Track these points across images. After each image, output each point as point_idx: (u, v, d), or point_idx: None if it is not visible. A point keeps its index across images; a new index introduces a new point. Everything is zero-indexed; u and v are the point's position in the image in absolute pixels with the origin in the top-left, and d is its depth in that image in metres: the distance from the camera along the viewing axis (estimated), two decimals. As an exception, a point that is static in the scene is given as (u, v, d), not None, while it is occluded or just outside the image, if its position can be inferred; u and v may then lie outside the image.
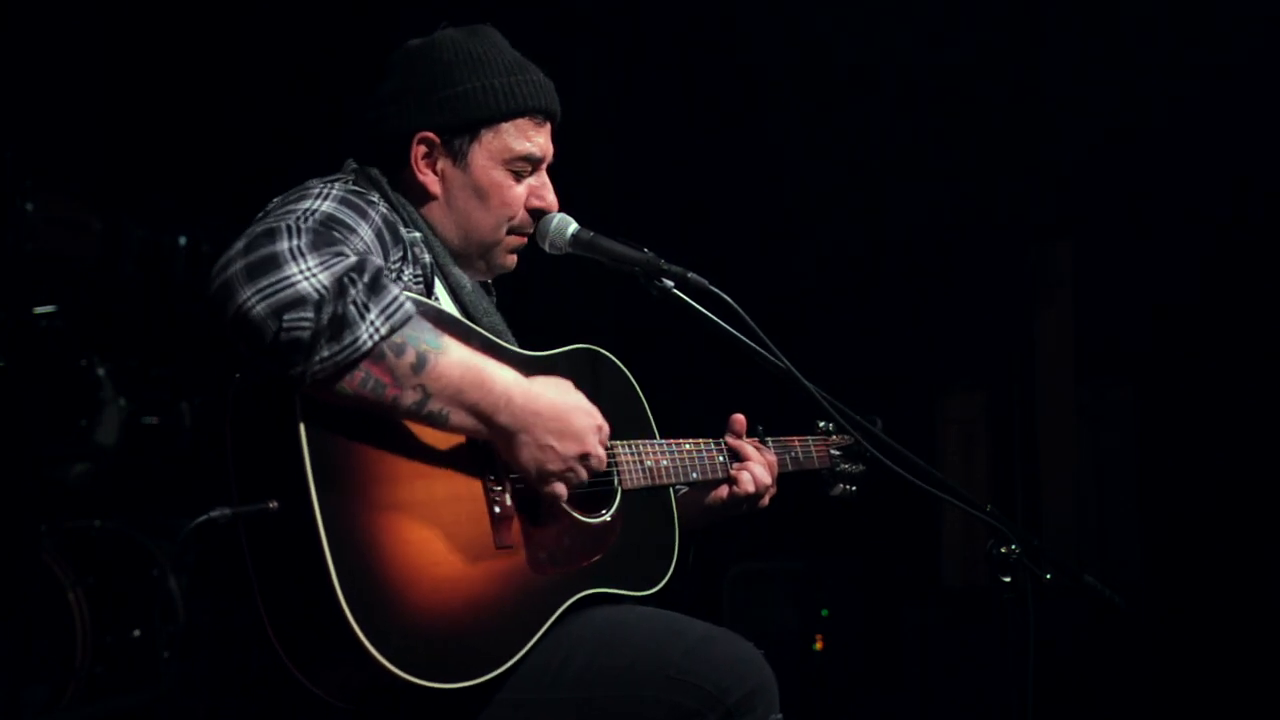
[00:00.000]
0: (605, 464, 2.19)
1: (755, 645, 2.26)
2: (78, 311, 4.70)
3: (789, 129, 5.73)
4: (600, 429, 2.17)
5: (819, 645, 5.09)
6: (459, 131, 2.31)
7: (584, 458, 2.13)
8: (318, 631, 1.89)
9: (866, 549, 5.20)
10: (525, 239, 2.42)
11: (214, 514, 1.93)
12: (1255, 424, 4.88)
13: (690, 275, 2.37)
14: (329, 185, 2.15)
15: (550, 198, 2.40)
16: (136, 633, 4.40)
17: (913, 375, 5.46)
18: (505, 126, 2.33)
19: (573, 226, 2.42)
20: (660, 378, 2.69)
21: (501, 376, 2.05)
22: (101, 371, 4.67)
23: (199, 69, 5.38)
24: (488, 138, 2.32)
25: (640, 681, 2.12)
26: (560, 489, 2.13)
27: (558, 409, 2.11)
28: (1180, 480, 5.04)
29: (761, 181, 5.77)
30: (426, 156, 2.31)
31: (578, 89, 5.57)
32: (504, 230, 2.37)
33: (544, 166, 2.40)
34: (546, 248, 2.43)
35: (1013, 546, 2.38)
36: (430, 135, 2.30)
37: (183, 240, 4.90)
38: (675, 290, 2.36)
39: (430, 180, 2.32)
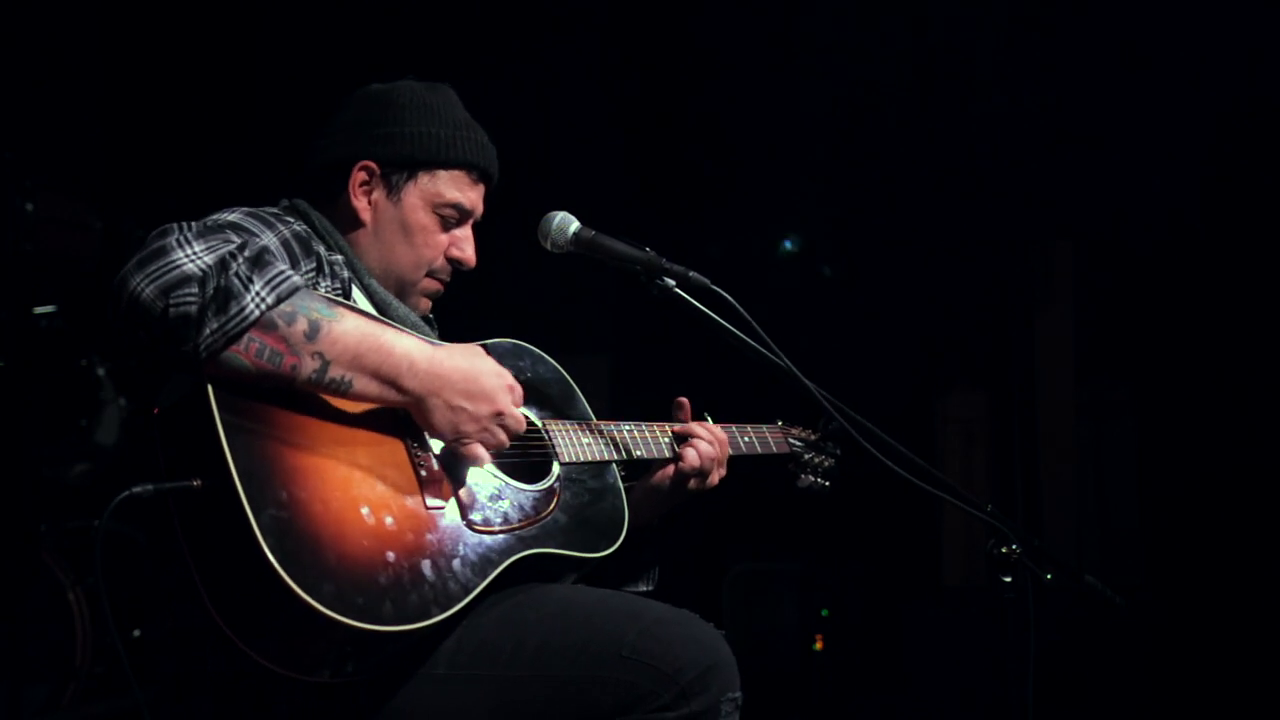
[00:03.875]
0: (523, 424, 2.21)
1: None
2: (78, 311, 4.69)
3: (790, 128, 5.73)
4: (512, 389, 2.19)
5: (819, 645, 5.08)
6: (398, 168, 2.40)
7: (497, 416, 2.16)
8: (253, 595, 1.91)
9: (866, 549, 5.20)
10: (442, 286, 2.48)
11: (136, 490, 1.96)
12: (1254, 423, 4.88)
13: (691, 274, 2.39)
14: (247, 207, 2.23)
15: (469, 251, 2.47)
16: (136, 633, 4.40)
17: (913, 375, 5.46)
18: (442, 174, 2.42)
19: (574, 225, 2.45)
20: (649, 376, 2.69)
21: (402, 342, 2.09)
22: (101, 371, 4.66)
23: (199, 69, 5.38)
24: (424, 180, 2.41)
25: (594, 661, 2.13)
26: (479, 450, 2.16)
27: (464, 370, 2.14)
28: (1180, 479, 5.04)
29: (763, 180, 5.77)
30: (364, 185, 2.40)
31: (580, 88, 5.59)
32: (422, 272, 2.44)
33: (471, 222, 2.48)
34: (548, 247, 2.46)
35: (1013, 546, 2.38)
36: (371, 165, 2.40)
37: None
38: (676, 289, 2.38)
39: (363, 207, 2.40)
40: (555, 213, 2.46)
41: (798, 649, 5.08)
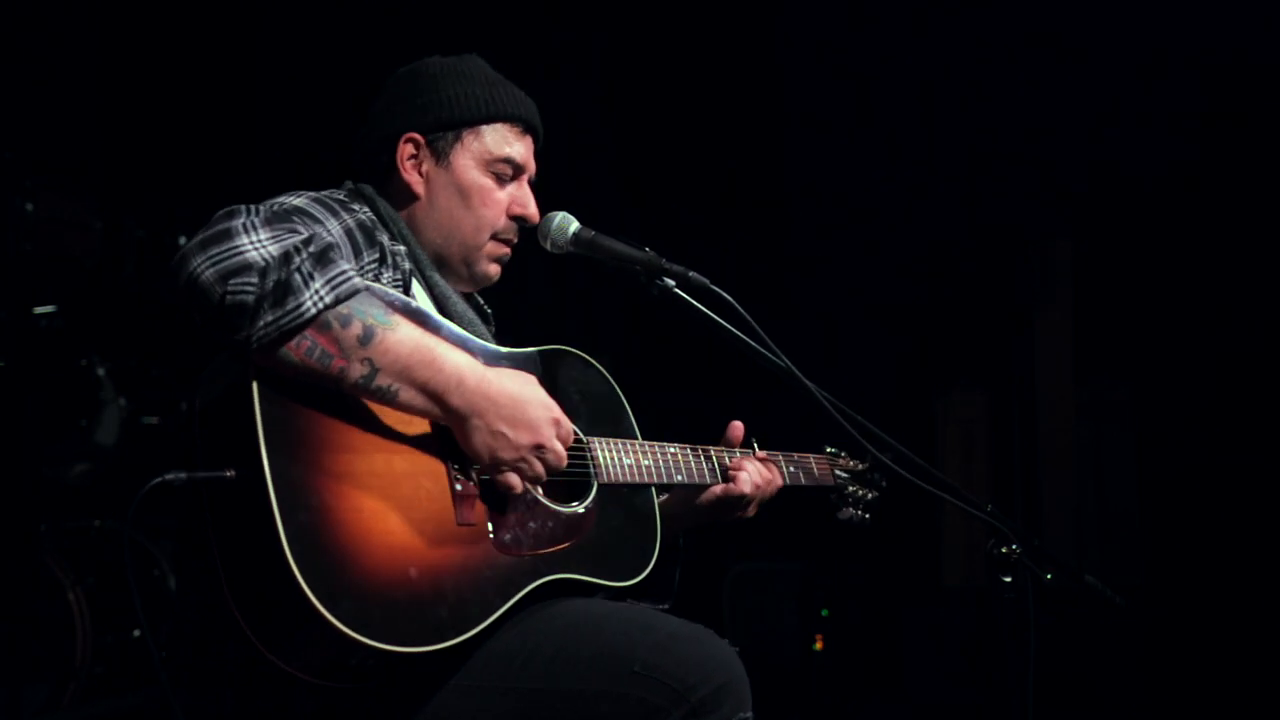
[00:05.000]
0: (564, 460, 2.17)
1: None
2: (78, 311, 4.69)
3: (791, 129, 5.73)
4: (558, 423, 2.16)
5: (819, 645, 5.08)
6: (442, 132, 2.39)
7: (538, 448, 2.13)
8: (275, 600, 1.90)
9: (867, 549, 5.20)
10: (509, 249, 2.45)
11: (169, 476, 1.95)
12: (1254, 423, 4.89)
13: (691, 274, 2.37)
14: (312, 191, 2.21)
15: (531, 207, 2.44)
16: (136, 633, 4.40)
17: (913, 375, 5.46)
18: (485, 129, 2.40)
19: (574, 226, 2.44)
20: (668, 384, 2.69)
21: (453, 358, 2.07)
22: (101, 371, 4.66)
23: (199, 69, 5.37)
24: (469, 140, 2.40)
25: (606, 675, 2.10)
26: (513, 480, 2.13)
27: (513, 396, 2.11)
28: (1180, 479, 5.04)
29: (762, 180, 5.77)
30: (412, 158, 2.39)
31: (582, 88, 5.58)
32: (486, 235, 2.41)
33: (525, 178, 2.46)
34: (548, 247, 2.45)
35: (1013, 546, 2.37)
36: (415, 136, 2.39)
37: (183, 240, 4.89)
38: (676, 289, 2.36)
39: (415, 181, 2.39)
40: (555, 213, 2.45)
41: (798, 649, 5.08)
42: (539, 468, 2.15)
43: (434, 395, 2.05)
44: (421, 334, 2.05)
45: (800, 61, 5.69)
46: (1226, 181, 4.98)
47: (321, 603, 1.88)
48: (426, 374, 2.03)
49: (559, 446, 2.16)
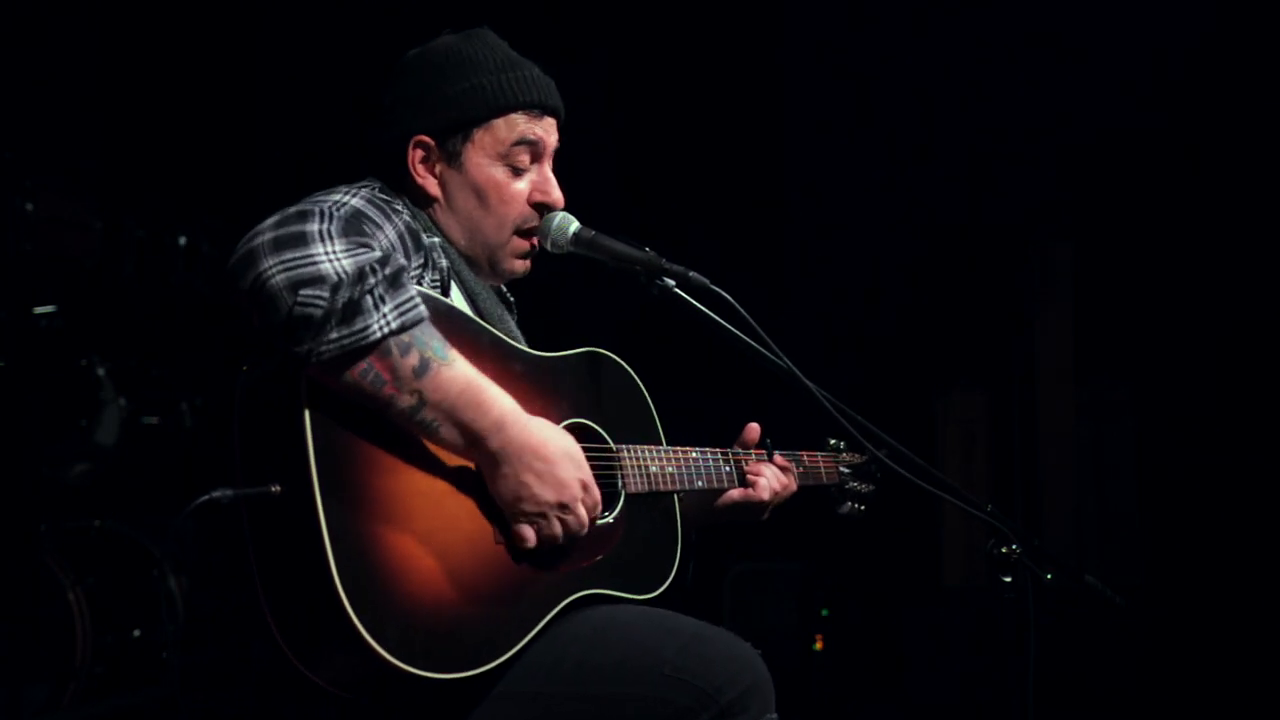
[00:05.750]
0: (585, 527, 2.13)
1: (753, 645, 2.25)
2: (78, 311, 4.69)
3: (792, 129, 5.73)
4: (586, 487, 2.12)
5: (819, 645, 5.08)
6: (452, 133, 2.30)
7: (561, 507, 2.09)
8: (316, 619, 1.89)
9: (866, 549, 5.20)
10: (535, 243, 2.38)
11: (215, 494, 1.92)
12: (1255, 423, 4.89)
13: (692, 274, 2.35)
14: (356, 188, 2.17)
15: (555, 192, 2.36)
16: (136, 633, 4.40)
17: (913, 375, 5.47)
18: (497, 123, 2.30)
19: (574, 226, 2.40)
20: (671, 383, 2.68)
21: (499, 403, 2.04)
22: (101, 371, 4.66)
23: (199, 69, 5.38)
24: (479, 136, 2.30)
25: (634, 679, 2.11)
26: (527, 533, 2.08)
27: (547, 450, 2.08)
28: (1180, 480, 5.05)
29: (763, 180, 5.77)
30: (424, 160, 2.31)
31: (582, 89, 5.58)
32: (509, 231, 2.34)
33: (546, 161, 2.37)
34: (548, 247, 2.41)
35: (1013, 546, 2.37)
36: (425, 139, 2.30)
37: (183, 240, 4.90)
38: (676, 289, 2.35)
39: (430, 184, 2.31)
40: (555, 213, 2.40)
41: (798, 649, 5.08)
42: (557, 528, 2.10)
43: (473, 437, 2.02)
44: (475, 374, 2.02)
45: (800, 61, 5.69)
46: (1227, 182, 4.98)
47: (368, 630, 1.87)
48: (470, 415, 2.00)
49: (582, 512, 2.12)
